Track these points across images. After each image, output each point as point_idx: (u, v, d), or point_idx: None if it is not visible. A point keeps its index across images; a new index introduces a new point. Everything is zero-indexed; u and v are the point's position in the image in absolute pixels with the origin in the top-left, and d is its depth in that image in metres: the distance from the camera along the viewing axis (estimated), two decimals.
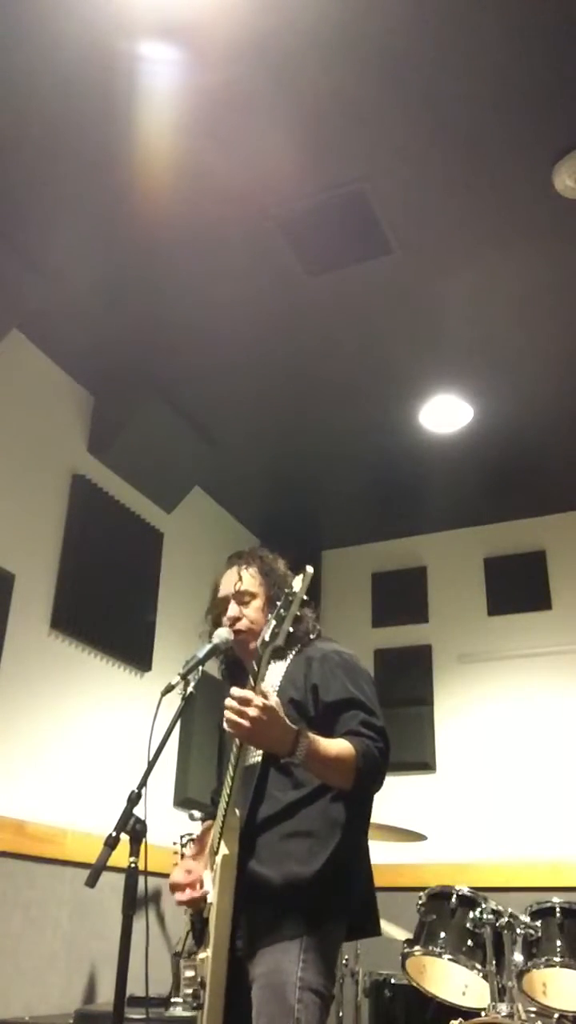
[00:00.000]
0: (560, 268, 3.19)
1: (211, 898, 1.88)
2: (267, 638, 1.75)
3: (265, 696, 1.73)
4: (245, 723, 1.70)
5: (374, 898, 1.96)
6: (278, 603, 1.77)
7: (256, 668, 1.76)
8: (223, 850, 1.84)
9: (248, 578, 2.12)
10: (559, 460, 4.40)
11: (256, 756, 1.93)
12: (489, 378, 3.81)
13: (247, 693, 1.72)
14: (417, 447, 4.29)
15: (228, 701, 1.74)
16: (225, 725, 1.75)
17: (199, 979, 1.94)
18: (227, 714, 1.74)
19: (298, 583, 1.75)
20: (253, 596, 2.10)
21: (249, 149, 2.73)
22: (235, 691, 1.74)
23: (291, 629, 1.76)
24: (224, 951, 1.82)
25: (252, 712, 1.69)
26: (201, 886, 1.99)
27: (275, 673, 2.00)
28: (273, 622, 1.75)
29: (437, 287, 3.31)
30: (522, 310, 3.41)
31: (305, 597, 1.75)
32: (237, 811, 1.88)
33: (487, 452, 4.32)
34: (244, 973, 1.80)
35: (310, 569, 1.76)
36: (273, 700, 1.75)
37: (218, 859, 1.85)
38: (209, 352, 3.68)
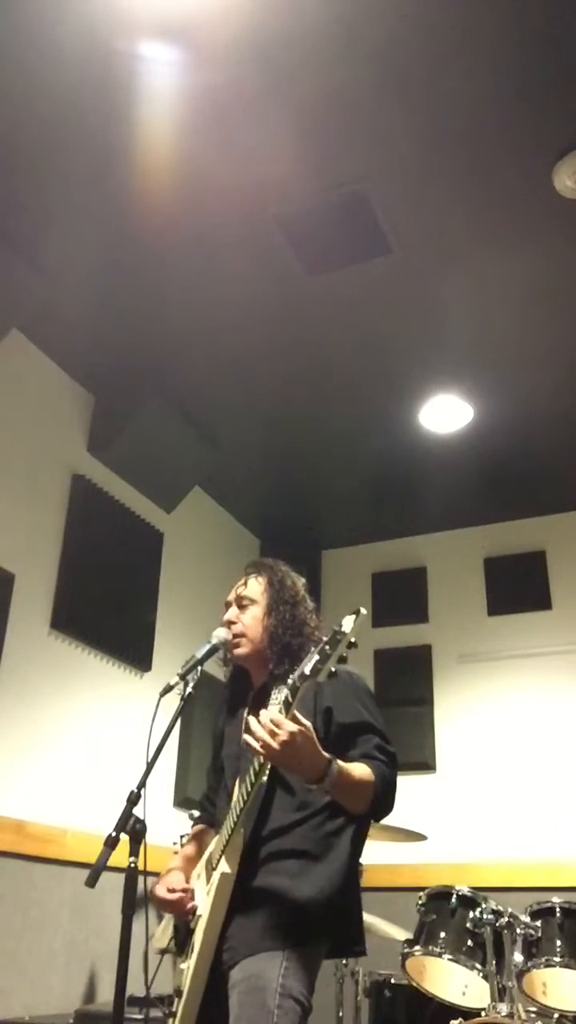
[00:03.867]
0: (560, 268, 3.19)
1: (201, 911, 1.88)
2: (307, 671, 1.67)
3: (299, 722, 1.71)
4: (274, 746, 1.68)
5: (361, 919, 1.97)
6: (324, 638, 1.70)
7: (290, 698, 1.71)
8: (224, 867, 1.84)
9: (253, 585, 2.14)
10: (559, 460, 4.40)
11: (263, 775, 1.91)
12: (489, 378, 3.81)
13: (278, 718, 1.69)
14: (417, 447, 4.29)
15: (254, 723, 1.71)
16: (247, 742, 1.72)
17: (175, 987, 1.94)
18: (251, 738, 1.71)
19: (348, 623, 1.67)
20: (252, 602, 2.11)
21: (249, 149, 2.73)
22: (266, 714, 1.71)
23: (333, 668, 1.68)
24: (207, 965, 1.83)
25: (283, 736, 1.67)
26: (187, 901, 1.99)
27: (280, 691, 1.99)
28: (316, 656, 1.67)
29: (437, 287, 3.31)
30: (522, 310, 3.41)
31: (353, 640, 1.66)
32: (243, 830, 1.88)
33: (487, 452, 4.32)
34: (223, 983, 1.81)
35: (363, 611, 1.68)
36: (307, 724, 1.72)
37: (216, 875, 1.84)
38: (209, 352, 3.68)
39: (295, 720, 1.70)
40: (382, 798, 1.84)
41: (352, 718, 1.93)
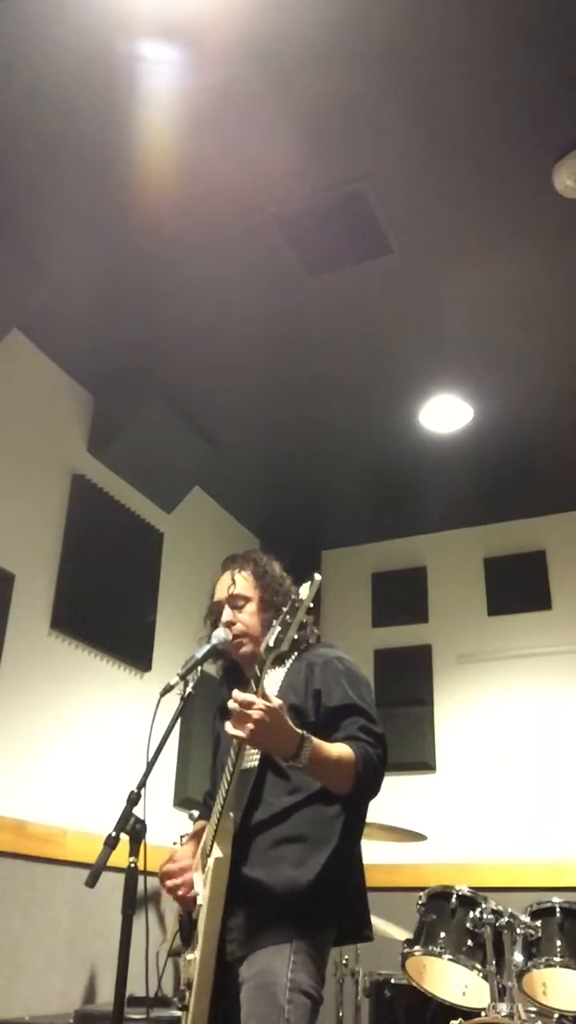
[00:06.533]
0: (560, 268, 3.19)
1: (201, 900, 1.88)
2: (271, 643, 1.72)
3: (268, 699, 1.72)
4: (248, 725, 1.69)
5: (366, 903, 1.96)
6: (283, 609, 1.74)
7: (258, 672, 1.74)
8: (216, 853, 1.84)
9: (241, 581, 2.12)
10: (559, 460, 4.40)
11: (253, 760, 1.92)
12: (489, 378, 3.81)
13: (249, 696, 1.71)
14: (417, 447, 4.29)
15: (230, 704, 1.72)
16: (227, 728, 1.74)
17: (185, 980, 1.94)
18: (228, 724, 1.73)
19: (305, 590, 1.72)
20: (247, 600, 2.10)
21: (249, 149, 2.73)
22: (237, 694, 1.72)
23: (295, 636, 1.73)
24: (212, 954, 1.82)
25: (255, 715, 1.68)
26: (191, 882, 1.99)
27: (274, 678, 2.00)
28: (278, 628, 1.72)
29: (437, 287, 3.31)
30: (522, 310, 3.41)
31: (311, 605, 1.71)
32: (232, 814, 1.88)
33: (487, 452, 4.32)
34: (233, 976, 1.80)
35: (318, 576, 1.73)
36: (277, 702, 1.73)
37: (210, 861, 1.84)
38: (209, 352, 3.68)
39: (264, 697, 1.72)
40: (365, 777, 1.82)
41: (337, 701, 1.93)
